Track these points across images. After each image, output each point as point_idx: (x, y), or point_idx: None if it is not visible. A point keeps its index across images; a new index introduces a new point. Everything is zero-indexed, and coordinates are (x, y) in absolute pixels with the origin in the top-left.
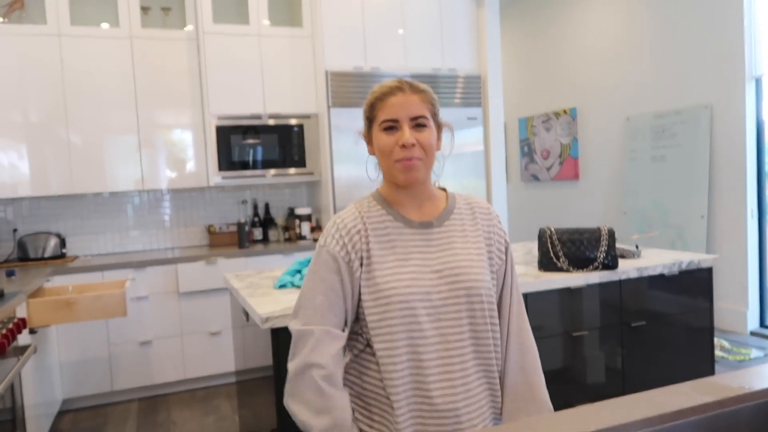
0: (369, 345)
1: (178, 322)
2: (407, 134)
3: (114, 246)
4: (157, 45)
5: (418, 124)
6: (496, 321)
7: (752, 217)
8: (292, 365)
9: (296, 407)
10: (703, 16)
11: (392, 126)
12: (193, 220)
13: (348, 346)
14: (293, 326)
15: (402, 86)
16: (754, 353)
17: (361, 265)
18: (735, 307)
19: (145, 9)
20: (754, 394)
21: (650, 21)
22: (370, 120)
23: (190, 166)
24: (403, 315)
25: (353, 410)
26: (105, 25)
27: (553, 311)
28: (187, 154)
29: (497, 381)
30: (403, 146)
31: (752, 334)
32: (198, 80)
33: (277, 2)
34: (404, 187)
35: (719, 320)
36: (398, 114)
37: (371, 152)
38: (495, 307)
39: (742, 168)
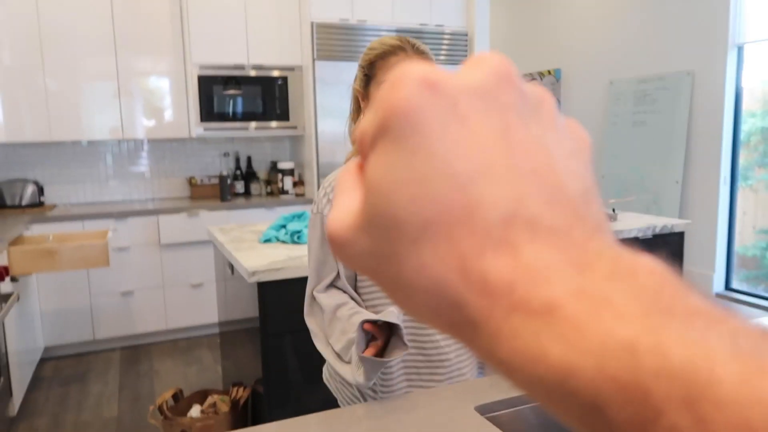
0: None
1: (159, 273)
2: None
3: (93, 195)
4: None
5: None
6: None
7: (725, 184)
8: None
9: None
10: None
11: None
12: (174, 172)
13: None
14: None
15: (404, 46)
16: None
17: None
18: (702, 270)
19: None
20: None
21: None
22: (368, 77)
23: (170, 115)
24: None
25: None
26: None
27: None
28: (167, 103)
29: None
30: None
31: (717, 296)
32: (180, 27)
33: None
34: None
35: None
36: None
37: (363, 108)
38: None
39: (719, 135)
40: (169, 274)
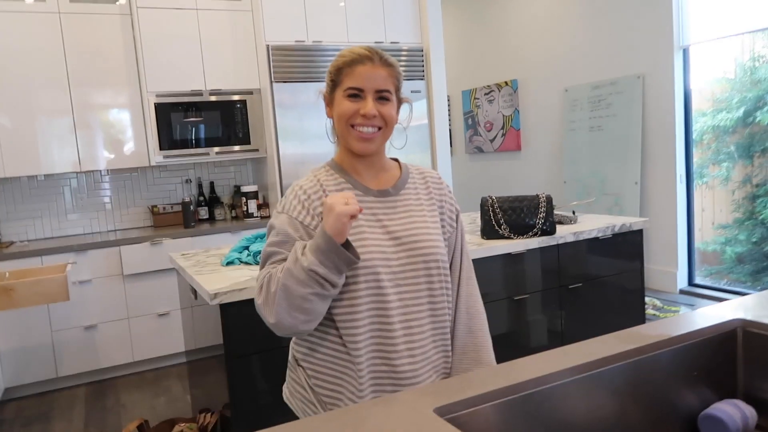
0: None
1: (123, 304)
2: (370, 105)
3: (52, 230)
4: (88, 20)
5: (381, 96)
6: (449, 287)
7: (681, 182)
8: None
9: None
10: None
11: (356, 94)
12: (136, 201)
13: None
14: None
15: (372, 56)
16: (683, 310)
17: None
18: (666, 268)
19: None
20: (671, 340)
21: None
22: (334, 83)
23: (130, 146)
24: (367, 279)
25: (309, 383)
26: (30, 0)
27: (496, 277)
28: (126, 134)
29: (449, 343)
30: (364, 116)
31: (681, 292)
32: (134, 57)
33: None
34: (359, 155)
35: (652, 281)
36: (364, 84)
37: (329, 114)
38: (449, 273)
39: (672, 135)
40: (134, 304)
